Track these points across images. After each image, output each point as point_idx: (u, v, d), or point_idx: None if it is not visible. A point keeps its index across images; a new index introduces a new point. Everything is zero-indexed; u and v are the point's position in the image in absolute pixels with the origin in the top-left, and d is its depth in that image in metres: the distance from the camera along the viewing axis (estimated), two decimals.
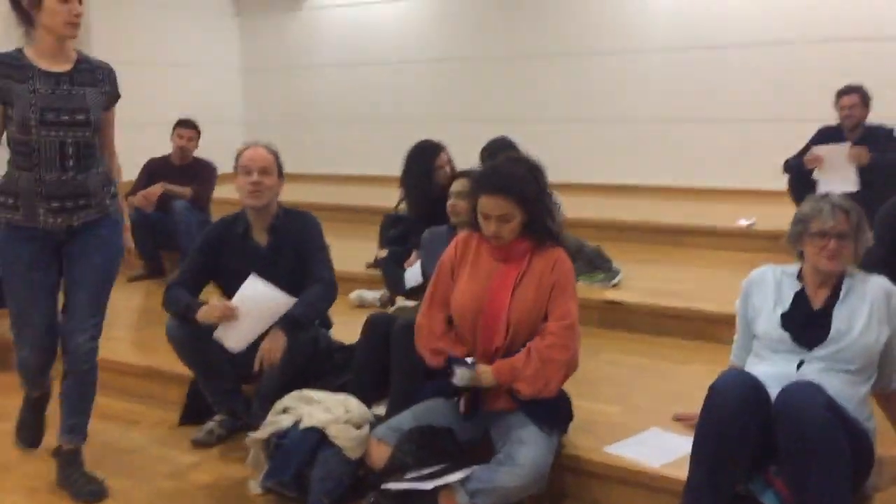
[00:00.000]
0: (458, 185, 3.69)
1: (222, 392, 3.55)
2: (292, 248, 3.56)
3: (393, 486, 2.73)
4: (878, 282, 2.72)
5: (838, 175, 5.10)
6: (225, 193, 5.95)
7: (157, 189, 5.82)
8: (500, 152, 4.64)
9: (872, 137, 5.30)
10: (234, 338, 3.30)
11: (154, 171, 6.07)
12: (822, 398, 2.34)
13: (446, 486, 2.72)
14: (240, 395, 3.59)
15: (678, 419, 3.19)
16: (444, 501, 2.74)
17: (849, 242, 2.67)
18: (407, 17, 9.45)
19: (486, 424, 2.94)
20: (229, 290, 3.43)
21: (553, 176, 3.09)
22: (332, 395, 3.12)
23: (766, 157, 6.08)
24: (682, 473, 2.52)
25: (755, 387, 2.44)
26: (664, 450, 2.94)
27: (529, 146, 3.73)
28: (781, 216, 3.40)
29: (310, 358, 3.42)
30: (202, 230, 5.07)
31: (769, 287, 2.84)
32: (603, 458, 2.94)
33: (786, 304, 2.78)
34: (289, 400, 3.16)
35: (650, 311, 4.44)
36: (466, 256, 3.03)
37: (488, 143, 5.02)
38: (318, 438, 2.95)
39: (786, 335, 2.71)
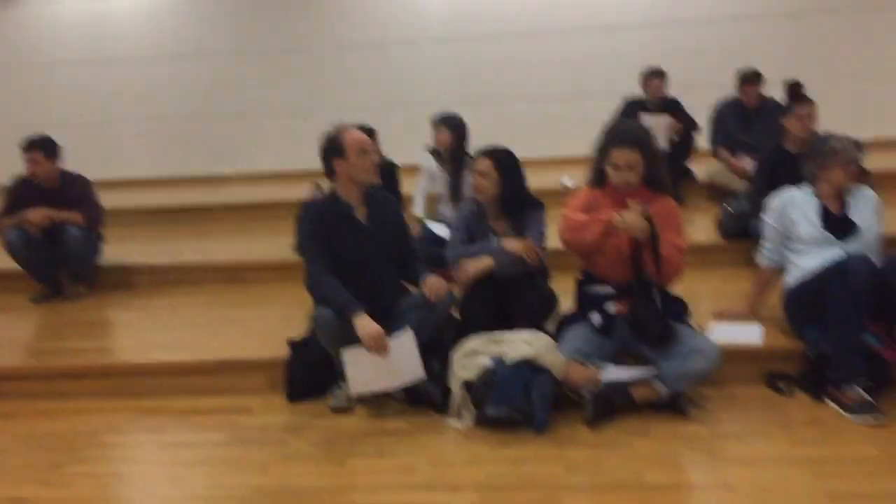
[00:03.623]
0: (482, 165, 4.04)
1: None
2: (386, 221, 3.94)
3: (608, 377, 3.42)
4: (866, 192, 4.03)
5: (661, 142, 6.55)
6: None
7: (39, 217, 5.30)
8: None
9: (667, 107, 6.85)
10: (361, 379, 3.55)
11: (23, 195, 5.44)
12: None
13: (641, 383, 3.50)
14: None
15: (719, 315, 4.22)
16: (639, 394, 3.50)
17: None
18: (151, 11, 9.35)
19: (622, 338, 3.70)
20: (338, 269, 3.70)
21: None
22: (516, 334, 3.64)
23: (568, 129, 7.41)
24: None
25: (869, 262, 3.57)
26: (748, 332, 3.96)
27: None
28: None
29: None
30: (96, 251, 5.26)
31: (799, 203, 4.01)
32: None
33: (816, 213, 3.96)
34: (475, 344, 3.62)
35: None
36: (588, 209, 3.75)
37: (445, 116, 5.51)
38: (529, 368, 3.48)
39: (826, 233, 3.90)
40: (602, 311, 3.69)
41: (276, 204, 7.19)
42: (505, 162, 3.99)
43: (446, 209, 5.38)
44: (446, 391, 3.67)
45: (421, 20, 9.28)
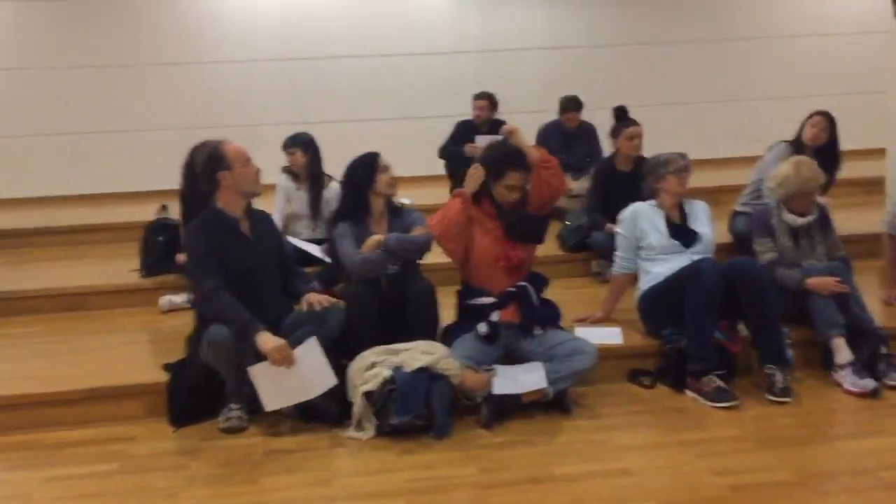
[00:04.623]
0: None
1: (244, 385, 3.75)
2: (267, 236, 3.98)
3: (498, 391, 3.65)
4: (700, 203, 4.55)
5: None
6: None
7: None
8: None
9: (496, 128, 7.24)
10: (273, 395, 3.57)
11: None
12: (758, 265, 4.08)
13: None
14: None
15: (582, 320, 4.57)
16: (527, 395, 3.76)
17: None
18: None
19: (505, 345, 3.96)
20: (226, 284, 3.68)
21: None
22: (412, 343, 3.77)
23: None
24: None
25: (717, 266, 4.03)
26: (609, 334, 4.33)
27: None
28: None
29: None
30: None
31: (646, 215, 4.45)
32: None
33: (662, 223, 4.42)
34: (373, 356, 3.71)
35: None
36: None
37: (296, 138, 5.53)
38: (428, 375, 3.62)
39: (674, 242, 4.35)
40: (487, 321, 3.90)
41: (101, 227, 6.86)
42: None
43: (305, 228, 5.40)
44: (341, 404, 3.72)
45: (252, 40, 9.25)
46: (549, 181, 3.93)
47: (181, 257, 5.31)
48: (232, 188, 3.79)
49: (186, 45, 9.14)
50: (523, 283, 3.95)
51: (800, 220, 4.36)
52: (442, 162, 7.34)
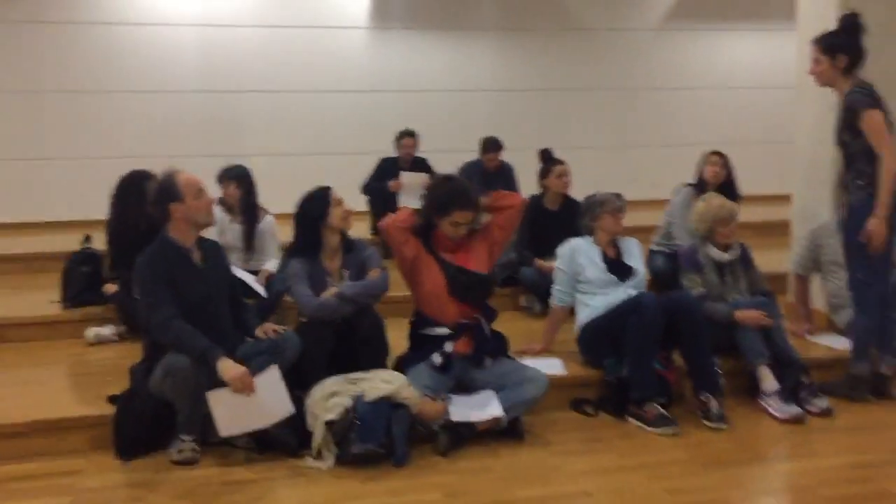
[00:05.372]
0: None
1: (200, 416, 3.70)
2: (219, 266, 3.97)
3: (455, 419, 3.75)
4: (632, 240, 4.80)
5: (415, 195, 7.00)
6: None
7: None
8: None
9: (418, 165, 7.41)
10: (229, 421, 3.54)
11: None
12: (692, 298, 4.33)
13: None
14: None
15: (523, 351, 4.71)
16: (482, 424, 3.86)
17: None
18: None
19: (458, 374, 4.07)
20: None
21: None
22: (371, 373, 3.81)
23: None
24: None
25: (657, 299, 4.25)
26: (550, 365, 4.48)
27: None
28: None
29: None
30: None
31: (584, 251, 4.66)
32: None
33: (599, 258, 4.64)
34: (333, 385, 3.73)
35: None
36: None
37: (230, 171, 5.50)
38: (388, 404, 3.67)
39: (611, 276, 4.57)
40: (441, 351, 3.98)
41: (15, 257, 6.60)
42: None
43: (238, 261, 5.35)
44: (297, 434, 3.71)
45: (173, 71, 9.20)
46: (505, 206, 4.17)
47: (110, 288, 5.18)
48: (184, 219, 3.76)
49: (102, 74, 8.99)
50: (477, 316, 4.05)
51: (725, 256, 4.65)
52: (363, 198, 7.40)
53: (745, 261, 4.75)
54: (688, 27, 10.74)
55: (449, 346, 4.01)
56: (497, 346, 4.13)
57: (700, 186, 5.87)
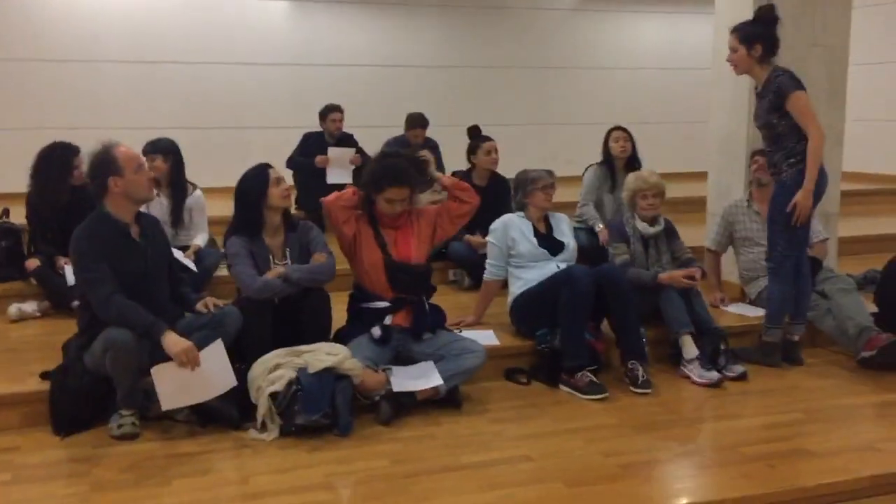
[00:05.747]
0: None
1: (140, 390, 3.69)
2: (157, 241, 3.95)
3: (397, 389, 3.85)
4: (562, 215, 4.96)
5: (343, 170, 7.09)
6: None
7: None
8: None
9: (344, 140, 7.41)
10: (172, 395, 3.55)
11: None
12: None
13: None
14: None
15: (456, 324, 4.82)
16: (422, 393, 3.96)
17: None
18: None
19: (397, 347, 4.16)
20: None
21: None
22: (315, 345, 3.85)
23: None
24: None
25: (589, 272, 4.42)
26: (484, 336, 4.61)
27: None
28: None
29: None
30: None
31: (517, 226, 4.79)
32: None
33: (531, 233, 4.78)
34: (276, 358, 3.76)
35: None
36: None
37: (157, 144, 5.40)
38: (332, 376, 3.73)
39: (542, 250, 4.73)
40: (380, 325, 4.06)
41: None
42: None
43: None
44: (239, 407, 3.74)
45: (92, 40, 8.94)
46: (465, 200, 4.30)
47: (31, 263, 5.07)
48: (122, 194, 3.70)
49: (18, 42, 8.62)
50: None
51: (650, 230, 4.86)
52: (288, 173, 7.35)
53: (668, 233, 4.96)
54: (603, 8, 11.00)
55: (388, 319, 4.08)
56: (435, 320, 4.23)
57: (608, 162, 6.07)
